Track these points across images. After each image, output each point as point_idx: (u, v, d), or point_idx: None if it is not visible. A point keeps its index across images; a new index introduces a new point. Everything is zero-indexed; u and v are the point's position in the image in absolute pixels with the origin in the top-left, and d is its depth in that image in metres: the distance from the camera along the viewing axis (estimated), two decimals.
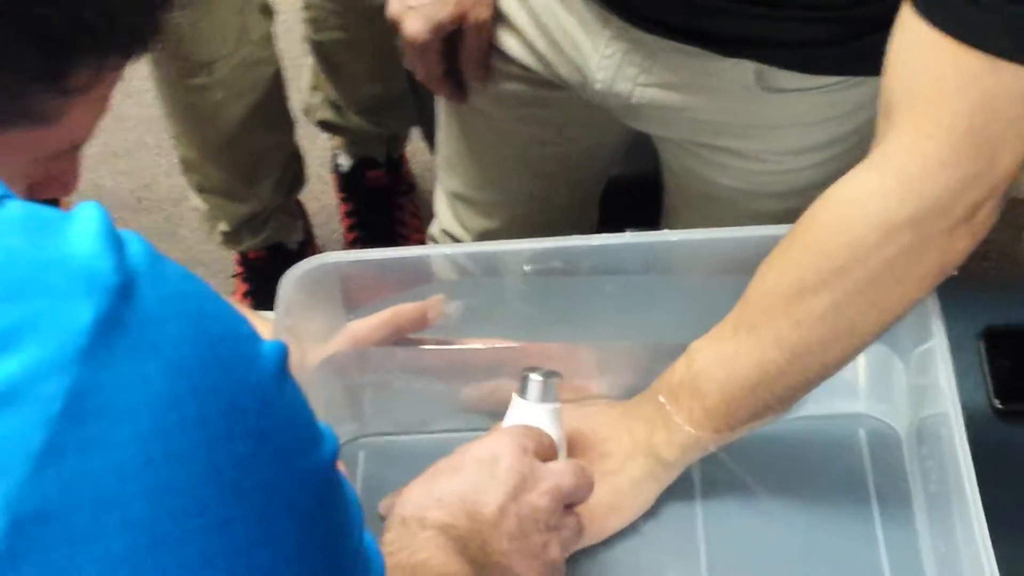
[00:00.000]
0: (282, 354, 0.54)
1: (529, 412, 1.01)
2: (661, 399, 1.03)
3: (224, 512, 0.51)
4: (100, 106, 0.73)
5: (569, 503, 0.97)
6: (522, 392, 1.02)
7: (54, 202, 0.86)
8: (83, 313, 0.50)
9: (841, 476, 1.10)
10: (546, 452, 0.98)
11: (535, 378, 1.01)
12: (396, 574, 0.84)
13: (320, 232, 2.43)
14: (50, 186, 0.77)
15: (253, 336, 0.54)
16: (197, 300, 0.53)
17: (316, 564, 0.54)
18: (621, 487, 1.05)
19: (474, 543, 0.89)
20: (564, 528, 0.96)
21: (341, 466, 0.92)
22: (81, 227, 0.52)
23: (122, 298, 0.50)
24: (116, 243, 0.51)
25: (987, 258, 2.30)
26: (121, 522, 0.49)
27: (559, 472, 0.96)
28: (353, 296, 1.11)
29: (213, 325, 0.52)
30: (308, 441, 0.55)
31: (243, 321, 0.54)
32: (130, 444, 0.49)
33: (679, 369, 1.03)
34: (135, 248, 0.52)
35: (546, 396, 1.01)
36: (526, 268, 1.09)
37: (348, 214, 2.39)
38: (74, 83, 0.67)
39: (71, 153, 0.76)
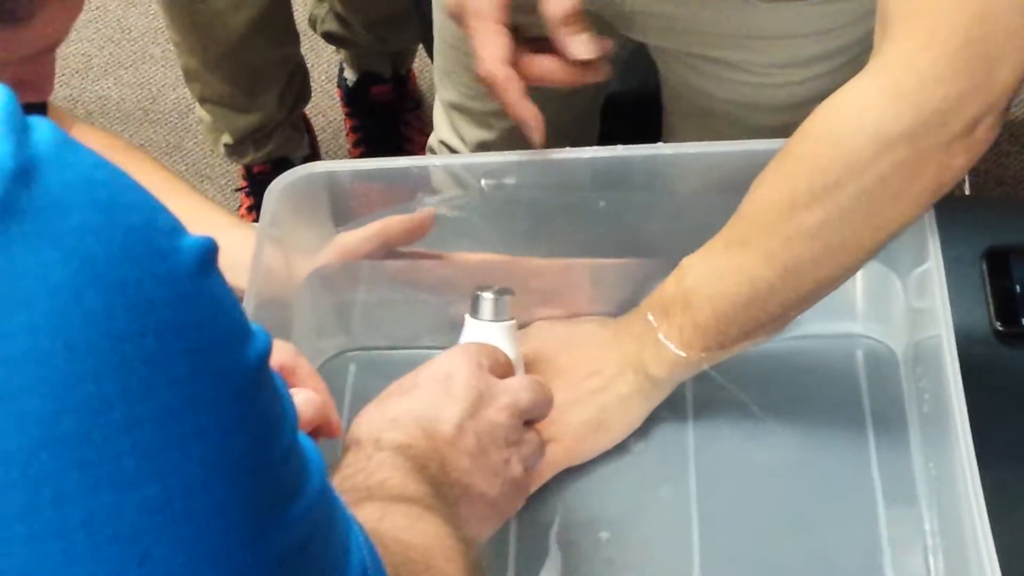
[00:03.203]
0: (206, 249, 0.51)
1: (483, 331, 1.00)
2: (650, 317, 1.02)
3: (132, 410, 0.48)
4: (74, 6, 0.71)
5: (528, 419, 0.95)
6: (474, 312, 1.00)
7: (41, 107, 0.84)
8: None
9: (837, 396, 1.08)
10: (502, 369, 0.96)
11: (487, 296, 1.00)
12: (352, 496, 0.81)
13: (327, 147, 2.42)
14: (24, 90, 0.75)
15: (173, 229, 0.51)
16: (108, 189, 0.50)
17: (239, 462, 0.52)
18: (608, 404, 1.03)
19: (433, 462, 0.87)
20: (525, 444, 0.94)
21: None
22: None
23: (19, 183, 0.47)
24: (18, 127, 0.49)
25: (1002, 182, 2.29)
26: (14, 417, 0.47)
27: (516, 388, 0.95)
28: (343, 208, 1.10)
29: (125, 215, 0.50)
30: (231, 339, 0.53)
31: (162, 213, 0.51)
32: (24, 335, 0.47)
33: (670, 285, 1.01)
34: (41, 134, 0.49)
35: (499, 314, 1.00)
36: (512, 180, 1.07)
37: (353, 129, 2.37)
38: None
39: (44, 56, 0.74)
